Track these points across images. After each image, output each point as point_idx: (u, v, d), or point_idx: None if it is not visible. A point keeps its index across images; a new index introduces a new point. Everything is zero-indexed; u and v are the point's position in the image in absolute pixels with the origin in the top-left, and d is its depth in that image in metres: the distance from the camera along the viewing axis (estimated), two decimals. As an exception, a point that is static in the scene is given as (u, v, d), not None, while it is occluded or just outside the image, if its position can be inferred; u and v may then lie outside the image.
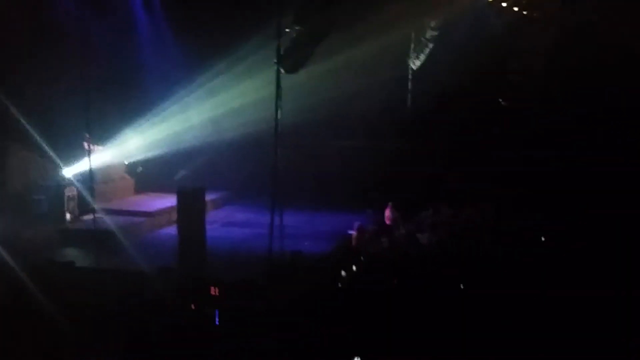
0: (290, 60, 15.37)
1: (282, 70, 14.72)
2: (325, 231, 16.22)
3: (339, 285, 12.13)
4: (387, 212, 16.28)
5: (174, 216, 14.37)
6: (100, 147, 17.63)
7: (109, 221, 15.72)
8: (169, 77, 19.11)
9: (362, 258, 13.10)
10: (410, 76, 19.15)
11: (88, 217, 16.26)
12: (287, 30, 15.59)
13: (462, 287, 11.31)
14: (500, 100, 19.43)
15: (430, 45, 18.86)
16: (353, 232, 14.73)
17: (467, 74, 18.28)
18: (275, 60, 14.64)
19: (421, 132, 18.93)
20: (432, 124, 18.84)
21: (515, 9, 19.16)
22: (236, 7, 18.46)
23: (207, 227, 13.93)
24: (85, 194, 16.39)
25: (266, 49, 15.76)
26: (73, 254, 14.35)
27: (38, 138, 16.55)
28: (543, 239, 13.71)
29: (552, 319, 9.87)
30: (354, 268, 12.71)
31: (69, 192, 16.39)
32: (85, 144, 17.17)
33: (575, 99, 17.96)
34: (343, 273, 12.46)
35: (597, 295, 10.25)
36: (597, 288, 10.45)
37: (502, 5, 18.82)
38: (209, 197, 15.69)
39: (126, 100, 18.86)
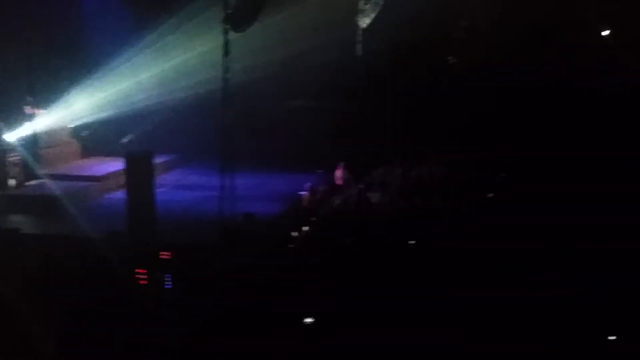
0: (238, 18, 15.10)
1: (229, 29, 14.51)
2: (276, 192, 16.12)
3: (291, 246, 12.12)
4: (338, 172, 16.28)
5: (123, 180, 14.10)
6: (43, 111, 17.16)
7: (55, 186, 15.40)
8: (115, 38, 18.59)
9: (313, 218, 13.10)
10: (359, 34, 18.97)
11: (33, 182, 15.94)
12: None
13: (412, 243, 11.43)
14: (448, 58, 19.47)
15: (380, 3, 18.73)
16: (304, 193, 14.70)
17: (415, 33, 18.23)
18: (222, 19, 14.41)
19: (371, 91, 18.87)
20: (382, 83, 18.79)
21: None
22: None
23: (157, 190, 13.73)
24: (30, 160, 16.04)
25: (213, 7, 15.48)
26: (18, 221, 14.04)
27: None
28: (490, 194, 13.92)
29: (498, 270, 10.07)
30: (306, 228, 12.72)
31: (12, 157, 15.94)
32: (28, 108, 16.78)
33: (518, 58, 18.13)
34: (295, 234, 12.45)
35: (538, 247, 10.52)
36: (537, 240, 10.71)
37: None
38: (157, 160, 15.45)
39: (70, 62, 18.38)
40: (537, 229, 11.16)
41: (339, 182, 16.14)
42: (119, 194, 14.91)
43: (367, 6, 18.95)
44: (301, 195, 14.67)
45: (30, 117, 16.74)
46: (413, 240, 11.49)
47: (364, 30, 18.89)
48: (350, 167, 16.25)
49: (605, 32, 19.20)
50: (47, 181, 15.70)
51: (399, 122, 18.09)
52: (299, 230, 12.61)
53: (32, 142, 16.41)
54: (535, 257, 10.42)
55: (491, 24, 19.00)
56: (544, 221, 11.37)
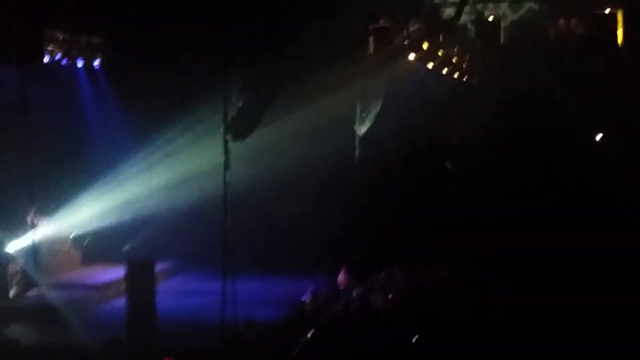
0: (238, 126, 15.41)
1: (229, 137, 14.79)
2: (278, 298, 16.06)
3: (294, 353, 11.98)
4: (340, 276, 16.24)
5: (123, 288, 14.05)
6: (45, 220, 17.25)
7: (54, 296, 15.32)
8: (115, 148, 18.98)
9: (316, 324, 12.99)
10: (357, 142, 19.35)
11: (33, 292, 15.85)
12: (232, 98, 15.67)
13: (417, 346, 11.35)
14: (446, 163, 19.79)
15: (375, 111, 19.18)
16: (307, 298, 14.62)
17: (412, 139, 18.65)
18: (222, 128, 14.71)
19: (371, 195, 19.08)
20: (380, 187, 19.02)
21: (455, 76, 19.73)
22: (181, 75, 18.52)
23: (158, 298, 13.66)
24: (30, 269, 16.01)
25: (213, 117, 15.80)
26: (18, 331, 13.88)
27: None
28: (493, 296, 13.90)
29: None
30: (309, 335, 12.59)
31: (13, 267, 15.91)
32: (30, 218, 16.87)
33: (518, 162, 18.46)
34: (299, 340, 12.34)
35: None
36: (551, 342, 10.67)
37: (442, 73, 19.34)
38: (159, 267, 15.45)
39: (72, 171, 18.62)
40: (544, 328, 11.13)
41: (341, 286, 16.09)
42: (120, 302, 14.82)
43: (364, 114, 19.40)
44: (303, 300, 14.58)
45: (31, 226, 16.78)
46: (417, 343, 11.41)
47: (362, 137, 19.28)
48: (352, 271, 16.23)
49: (599, 136, 19.65)
50: (47, 291, 15.61)
51: (399, 225, 18.19)
52: (302, 337, 12.49)
53: (33, 252, 16.39)
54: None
55: (486, 129, 19.44)
56: (551, 320, 11.35)
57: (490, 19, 18.41)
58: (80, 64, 18.80)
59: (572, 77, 18.38)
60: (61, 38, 17.79)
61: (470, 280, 14.67)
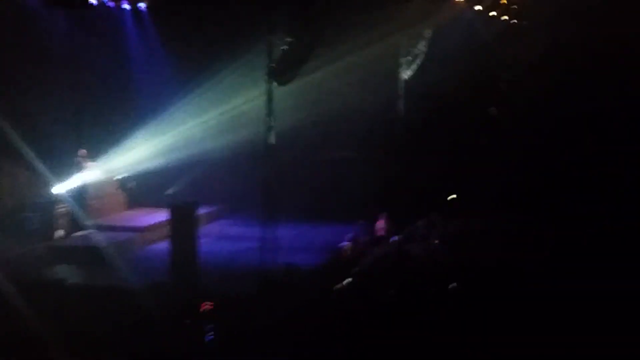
0: (282, 72, 15.35)
1: (273, 83, 14.76)
2: (318, 243, 16.16)
3: (333, 298, 12.10)
4: (380, 223, 16.26)
5: (167, 231, 14.30)
6: (92, 163, 17.54)
7: (101, 237, 15.67)
8: (161, 92, 19.10)
9: (355, 270, 13.06)
10: (401, 87, 19.10)
11: (80, 233, 16.23)
12: (278, 43, 15.57)
13: (456, 295, 11.34)
14: (491, 109, 19.44)
15: (421, 56, 18.87)
16: (346, 244, 14.70)
17: (458, 84, 18.32)
18: (266, 72, 14.67)
19: (414, 143, 18.90)
20: (425, 135, 18.81)
21: (505, 18, 19.22)
22: (226, 21, 18.42)
23: (200, 241, 13.89)
24: (77, 211, 16.35)
25: (257, 62, 15.77)
26: (64, 272, 14.30)
27: (29, 154, 16.53)
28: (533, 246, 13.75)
29: (548, 321, 9.92)
30: (348, 280, 12.68)
31: (61, 208, 16.29)
32: (79, 160, 17.15)
33: (565, 107, 18.02)
34: (337, 285, 12.43)
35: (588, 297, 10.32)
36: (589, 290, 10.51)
37: (490, 15, 18.87)
38: (201, 211, 15.64)
39: (117, 115, 18.83)
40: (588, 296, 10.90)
41: (381, 233, 16.12)
42: (163, 245, 15.11)
43: (409, 59, 19.11)
44: (342, 246, 14.66)
45: (79, 168, 17.09)
46: (456, 293, 11.40)
47: (406, 82, 19.03)
48: (392, 218, 16.23)
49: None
50: (93, 232, 15.96)
51: (441, 174, 18.03)
52: (340, 282, 12.59)
53: (81, 194, 16.73)
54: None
55: (535, 74, 18.99)
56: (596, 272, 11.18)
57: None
58: (126, 6, 18.82)
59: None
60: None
61: (511, 234, 14.53)
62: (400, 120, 19.16)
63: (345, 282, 12.59)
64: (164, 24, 19.26)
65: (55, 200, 16.37)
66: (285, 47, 15.57)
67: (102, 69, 18.66)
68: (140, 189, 18.89)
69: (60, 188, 16.64)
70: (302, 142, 18.82)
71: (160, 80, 19.23)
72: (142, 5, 19.12)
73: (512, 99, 19.48)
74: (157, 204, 17.70)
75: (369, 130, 18.97)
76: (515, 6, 19.47)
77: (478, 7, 18.40)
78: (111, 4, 18.31)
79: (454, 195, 17.02)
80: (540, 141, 18.08)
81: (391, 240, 14.82)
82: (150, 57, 19.47)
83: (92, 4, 17.38)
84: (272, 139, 14.56)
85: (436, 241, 14.50)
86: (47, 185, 16.64)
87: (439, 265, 12.96)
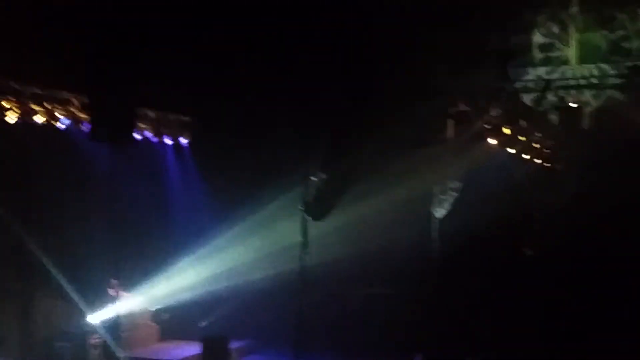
0: (316, 207, 15.60)
1: (307, 217, 14.96)
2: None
3: None
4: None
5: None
6: (126, 294, 17.63)
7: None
8: (197, 225, 19.39)
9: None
10: (436, 226, 19.21)
11: (113, 365, 16.15)
12: (312, 178, 15.90)
13: None
14: (525, 249, 19.43)
15: (455, 195, 19.08)
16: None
17: (492, 224, 18.44)
18: (301, 207, 14.91)
19: (447, 280, 18.81)
20: (458, 273, 18.73)
21: (537, 161, 19.54)
22: (263, 154, 18.88)
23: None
24: (110, 342, 16.30)
25: (293, 197, 16.07)
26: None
27: (63, 283, 16.69)
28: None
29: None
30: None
31: (94, 339, 16.26)
32: (112, 290, 17.25)
33: (596, 249, 18.01)
34: None
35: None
36: None
37: (523, 157, 19.19)
38: (234, 345, 15.54)
39: (154, 247, 19.07)
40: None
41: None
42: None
43: (443, 197, 19.31)
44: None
45: (113, 299, 17.16)
46: None
47: (440, 221, 19.17)
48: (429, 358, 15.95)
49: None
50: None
51: (476, 312, 17.83)
52: None
53: (114, 325, 16.73)
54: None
55: (567, 215, 19.09)
56: None
57: (573, 104, 18.24)
58: (168, 141, 19.36)
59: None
60: (151, 116, 18.34)
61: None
62: (434, 257, 19.14)
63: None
64: (204, 158, 19.76)
65: (89, 330, 16.38)
66: (320, 182, 15.93)
67: (142, 201, 19.04)
68: (173, 321, 18.86)
69: (94, 318, 16.70)
70: (335, 276, 18.81)
71: (198, 212, 19.56)
72: (184, 140, 19.69)
73: (545, 240, 19.49)
74: (190, 337, 17.62)
75: (403, 265, 18.97)
76: (549, 150, 19.82)
77: (511, 150, 18.72)
78: (153, 138, 18.83)
79: None
80: (576, 280, 17.96)
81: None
82: (189, 190, 19.86)
83: (136, 140, 17.89)
84: (306, 274, 14.63)
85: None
86: (81, 315, 16.72)
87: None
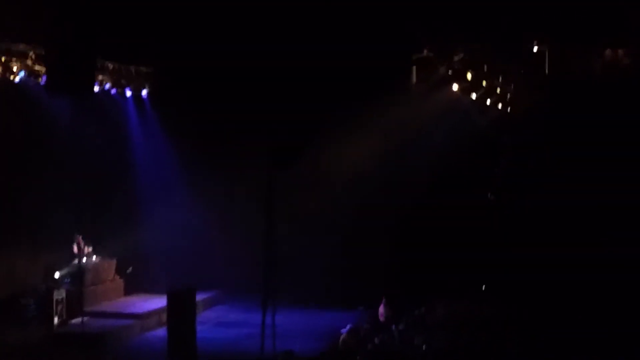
0: (282, 156, 15.55)
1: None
2: (318, 330, 16.02)
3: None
4: (381, 309, 16.13)
5: (164, 318, 14.17)
6: (90, 248, 17.48)
7: (97, 324, 15.50)
8: (160, 177, 19.19)
9: (357, 358, 12.90)
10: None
11: (76, 320, 16.02)
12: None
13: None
14: (489, 194, 19.54)
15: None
16: (346, 331, 14.54)
17: (455, 171, 18.53)
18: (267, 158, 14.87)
19: (410, 229, 18.91)
20: (421, 221, 18.78)
21: (499, 106, 19.54)
22: (227, 106, 18.65)
23: (198, 328, 13.76)
24: (74, 297, 16.20)
25: (258, 146, 16.09)
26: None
27: (27, 240, 16.51)
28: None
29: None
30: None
31: (58, 295, 16.11)
32: (76, 246, 17.10)
33: (563, 191, 18.13)
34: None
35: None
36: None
37: (486, 104, 19.17)
38: (199, 297, 15.54)
39: (117, 200, 18.89)
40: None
41: (381, 318, 15.97)
42: (160, 332, 14.94)
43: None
44: (343, 333, 14.50)
45: (77, 254, 17.02)
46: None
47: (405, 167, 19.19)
48: (392, 303, 16.11)
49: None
50: (89, 319, 15.77)
51: (440, 260, 17.96)
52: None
53: (78, 280, 16.61)
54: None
55: (532, 159, 19.23)
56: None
57: (535, 49, 18.18)
58: (128, 93, 19.02)
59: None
60: (111, 68, 18.00)
61: (511, 319, 14.43)
62: (398, 204, 19.21)
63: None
64: (164, 110, 19.46)
65: (53, 286, 16.24)
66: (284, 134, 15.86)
67: (104, 153, 18.78)
68: (138, 275, 18.75)
69: (58, 273, 16.56)
70: (300, 226, 18.82)
71: (161, 164, 19.33)
72: (144, 92, 19.35)
73: (508, 184, 19.60)
74: (155, 290, 17.57)
75: (366, 214, 19.04)
76: (509, 95, 19.82)
77: (474, 95, 18.69)
78: (113, 90, 18.47)
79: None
80: (539, 227, 18.13)
81: (395, 327, 14.66)
82: (150, 142, 19.57)
83: (95, 92, 17.56)
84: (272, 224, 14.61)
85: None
86: (46, 271, 16.57)
87: (440, 354, 12.80)
